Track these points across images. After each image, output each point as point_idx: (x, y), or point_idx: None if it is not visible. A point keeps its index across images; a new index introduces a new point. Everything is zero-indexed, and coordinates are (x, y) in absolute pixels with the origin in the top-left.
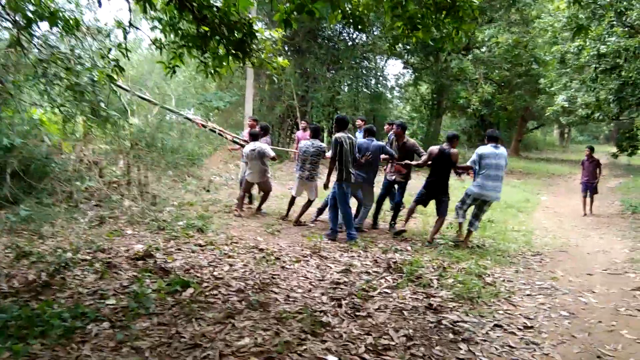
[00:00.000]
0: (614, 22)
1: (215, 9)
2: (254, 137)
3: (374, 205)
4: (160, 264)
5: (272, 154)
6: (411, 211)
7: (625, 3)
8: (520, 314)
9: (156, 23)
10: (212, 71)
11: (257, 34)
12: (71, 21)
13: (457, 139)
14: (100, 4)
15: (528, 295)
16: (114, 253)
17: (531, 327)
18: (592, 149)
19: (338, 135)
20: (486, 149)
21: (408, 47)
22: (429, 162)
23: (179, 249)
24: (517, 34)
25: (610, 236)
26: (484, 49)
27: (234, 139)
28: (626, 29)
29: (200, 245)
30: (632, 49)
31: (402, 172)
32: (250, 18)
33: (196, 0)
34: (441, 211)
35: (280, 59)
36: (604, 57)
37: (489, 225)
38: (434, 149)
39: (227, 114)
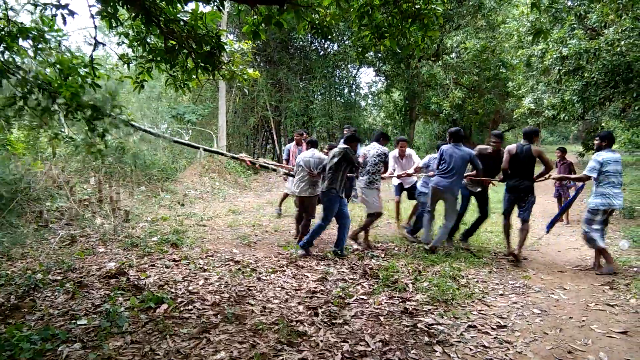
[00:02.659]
0: (575, 25)
1: (182, 22)
2: (312, 144)
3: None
4: (133, 281)
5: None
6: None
7: (584, 6)
8: (493, 314)
9: (123, 38)
10: (182, 85)
11: (226, 46)
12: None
13: (536, 135)
14: (65, 22)
15: (501, 294)
16: (85, 272)
17: (504, 326)
18: (563, 151)
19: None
20: (606, 155)
21: (379, 55)
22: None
23: (153, 265)
24: (484, 39)
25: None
26: (453, 55)
27: (290, 173)
28: (587, 31)
29: (174, 260)
30: (593, 51)
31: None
32: (218, 30)
33: (163, 14)
34: (525, 216)
35: (250, 71)
36: (566, 59)
37: (462, 227)
38: (512, 147)
39: (201, 127)
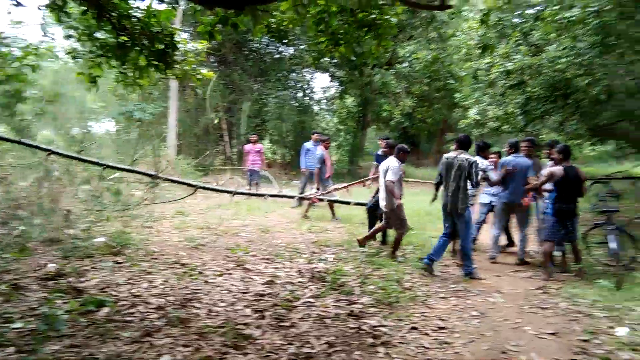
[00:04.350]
0: (520, 42)
1: (135, 19)
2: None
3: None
4: (73, 284)
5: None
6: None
7: (529, 24)
8: (435, 316)
9: (71, 32)
10: (133, 82)
11: (179, 45)
12: None
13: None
14: (9, 13)
15: (442, 297)
16: (21, 274)
17: (444, 328)
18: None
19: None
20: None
21: (334, 60)
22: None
23: (94, 267)
24: (435, 50)
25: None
26: (405, 64)
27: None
28: (530, 47)
29: (117, 263)
30: (535, 67)
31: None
32: (172, 29)
33: (115, 9)
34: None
35: (204, 71)
36: (510, 73)
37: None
38: (556, 170)
39: (150, 126)
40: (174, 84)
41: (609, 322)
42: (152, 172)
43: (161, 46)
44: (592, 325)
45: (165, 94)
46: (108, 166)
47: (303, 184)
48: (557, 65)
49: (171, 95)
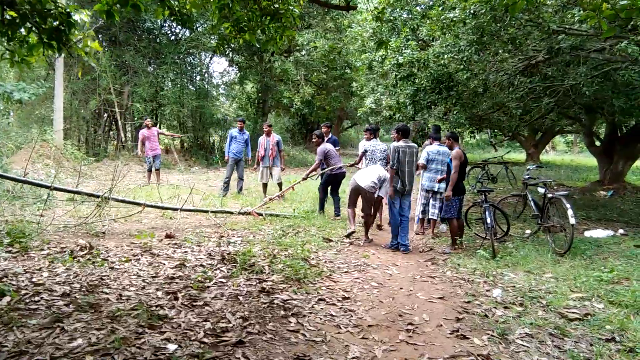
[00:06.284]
0: (409, 37)
1: None
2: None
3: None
4: None
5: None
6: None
7: (417, 21)
8: (339, 288)
9: None
10: (20, 60)
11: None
12: None
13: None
14: None
15: (345, 272)
16: None
17: (348, 298)
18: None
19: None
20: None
21: (232, 46)
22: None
23: None
24: (332, 40)
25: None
26: (303, 53)
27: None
28: (419, 42)
29: (11, 252)
30: (423, 61)
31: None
32: (67, 6)
33: None
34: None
35: (90, 43)
36: (401, 66)
37: (311, 215)
38: (460, 153)
39: (32, 108)
40: (59, 63)
41: (487, 286)
42: (100, 194)
43: (56, 24)
44: (473, 289)
45: (48, 74)
46: (56, 189)
47: (229, 172)
48: (441, 60)
49: (57, 74)
